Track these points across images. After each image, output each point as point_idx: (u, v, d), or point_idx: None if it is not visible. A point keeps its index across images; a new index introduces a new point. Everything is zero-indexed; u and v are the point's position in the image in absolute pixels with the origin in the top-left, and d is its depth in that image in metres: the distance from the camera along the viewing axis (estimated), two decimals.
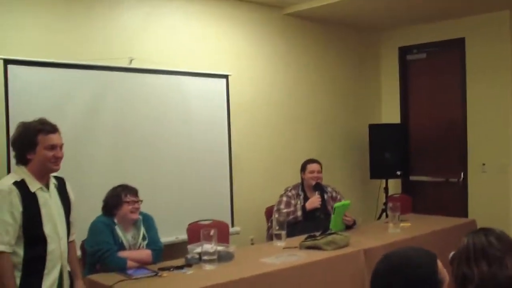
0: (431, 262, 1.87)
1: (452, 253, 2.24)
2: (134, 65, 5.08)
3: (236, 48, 6.08)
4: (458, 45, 7.05)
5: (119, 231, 3.90)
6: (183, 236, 4.98)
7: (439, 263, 1.88)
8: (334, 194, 5.32)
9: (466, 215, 6.76)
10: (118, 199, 3.95)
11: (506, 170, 6.63)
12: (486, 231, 2.12)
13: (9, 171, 4.06)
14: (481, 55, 6.83)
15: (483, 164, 6.81)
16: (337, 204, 4.89)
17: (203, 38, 5.77)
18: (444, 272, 1.87)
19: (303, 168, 5.31)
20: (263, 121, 6.31)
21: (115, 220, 3.92)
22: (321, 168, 5.32)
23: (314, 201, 5.08)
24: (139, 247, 3.95)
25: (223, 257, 3.87)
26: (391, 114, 7.67)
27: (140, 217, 4.03)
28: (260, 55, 6.33)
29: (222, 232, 4.81)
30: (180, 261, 3.85)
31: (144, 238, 4.00)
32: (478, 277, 2.01)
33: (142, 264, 3.79)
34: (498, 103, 6.69)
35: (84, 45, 4.87)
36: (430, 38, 7.31)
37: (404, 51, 7.65)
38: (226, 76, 5.72)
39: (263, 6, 6.32)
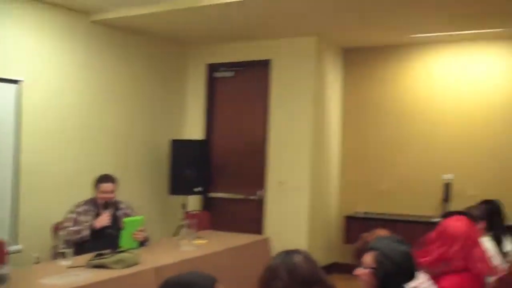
0: (210, 286, 1.94)
1: None
2: None
3: (33, 53, 5.64)
4: (264, 66, 7.22)
5: None
6: None
7: (219, 287, 1.95)
8: (127, 210, 5.10)
9: (262, 232, 6.91)
10: None
11: (301, 188, 6.88)
12: (286, 255, 2.16)
13: None
14: (286, 78, 7.06)
15: (281, 182, 7.01)
16: (127, 219, 4.67)
17: None
18: None
19: (96, 186, 5.01)
20: (58, 132, 5.91)
21: None
22: (116, 185, 5.07)
23: (103, 219, 4.82)
24: None
25: None
26: (195, 130, 7.63)
27: None
28: (61, 61, 5.94)
29: None
30: None
31: None
32: None
33: None
34: (298, 124, 6.94)
35: None
36: (238, 57, 7.42)
37: (212, 68, 7.67)
38: (17, 82, 5.28)
39: (70, 11, 5.98)
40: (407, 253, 2.44)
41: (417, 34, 6.68)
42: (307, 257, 2.17)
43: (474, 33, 6.52)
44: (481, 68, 6.87)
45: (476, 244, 3.08)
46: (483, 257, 3.10)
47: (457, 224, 3.10)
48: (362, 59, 7.56)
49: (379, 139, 7.40)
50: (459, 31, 6.40)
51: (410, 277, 2.43)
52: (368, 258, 2.44)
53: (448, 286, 2.88)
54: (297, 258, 2.14)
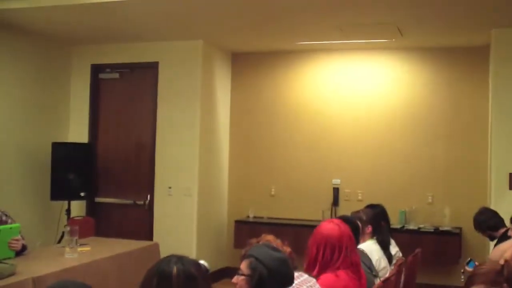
0: None
1: None
2: None
3: None
4: (151, 68, 7.06)
5: None
6: None
7: None
8: (4, 218, 4.73)
9: (151, 238, 6.72)
10: None
11: (190, 193, 6.79)
12: (163, 263, 2.02)
13: None
14: (173, 80, 6.95)
15: (169, 187, 6.87)
16: (2, 227, 4.34)
17: None
18: None
19: None
20: None
21: None
22: None
23: None
24: None
25: None
26: (79, 133, 7.31)
27: None
28: None
29: None
30: None
31: None
32: None
33: None
34: (186, 127, 6.85)
35: None
36: (125, 58, 7.22)
37: (97, 69, 7.39)
38: None
39: None
40: (282, 259, 2.47)
41: (305, 41, 6.79)
42: (186, 270, 2.00)
43: (362, 42, 6.72)
44: (367, 76, 7.11)
45: (345, 246, 3.15)
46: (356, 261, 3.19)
47: (328, 226, 3.17)
48: (251, 63, 7.59)
49: (268, 144, 7.44)
50: (348, 40, 6.56)
51: (286, 282, 2.46)
52: (244, 265, 2.47)
53: (322, 284, 2.92)
54: (174, 270, 1.98)
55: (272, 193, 7.37)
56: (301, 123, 7.31)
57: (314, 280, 2.86)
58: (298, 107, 7.33)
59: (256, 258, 2.44)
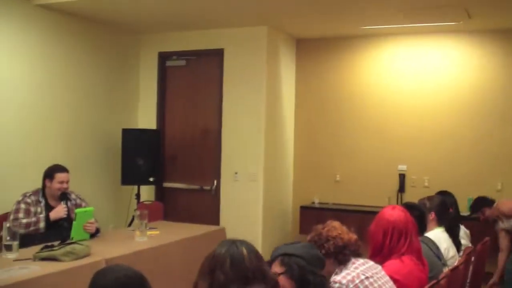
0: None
1: None
2: None
3: None
4: (217, 55, 7.13)
5: None
6: None
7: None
8: (78, 201, 4.94)
9: (218, 223, 6.83)
10: None
11: (256, 179, 6.84)
12: (232, 245, 2.07)
13: None
14: (238, 67, 6.99)
15: (236, 173, 6.95)
16: (78, 210, 4.55)
17: None
18: None
19: (50, 176, 4.78)
20: (3, 120, 5.67)
21: None
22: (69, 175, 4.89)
23: (59, 211, 4.64)
24: None
25: None
26: (147, 119, 7.49)
27: None
28: (5, 46, 5.68)
29: None
30: None
31: None
32: None
33: None
34: (252, 114, 6.89)
35: None
36: (190, 46, 7.31)
37: (163, 57, 7.54)
38: None
39: None
40: (306, 245, 2.53)
41: (370, 26, 6.70)
42: (253, 251, 2.08)
43: (428, 26, 6.57)
44: (434, 60, 6.95)
45: (410, 233, 3.12)
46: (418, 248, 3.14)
47: (394, 213, 3.14)
48: (315, 49, 7.55)
49: (333, 130, 7.41)
50: (413, 23, 6.43)
51: (322, 264, 2.49)
52: (276, 266, 2.45)
53: (388, 271, 2.90)
54: (244, 251, 2.05)
55: (337, 179, 7.35)
56: (366, 108, 7.24)
57: (379, 267, 2.85)
58: (363, 93, 7.26)
59: (284, 254, 2.44)
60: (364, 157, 7.22)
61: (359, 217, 6.44)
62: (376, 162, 7.14)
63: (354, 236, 2.85)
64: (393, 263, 3.02)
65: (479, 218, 5.88)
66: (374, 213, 3.41)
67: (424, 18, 6.19)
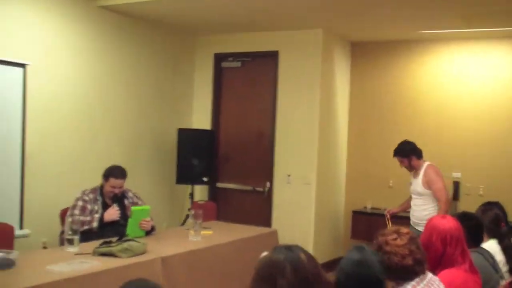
0: None
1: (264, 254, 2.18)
2: None
3: (39, 36, 5.56)
4: (272, 57, 7.17)
5: None
6: None
7: None
8: (135, 199, 5.06)
9: (269, 225, 6.87)
10: None
11: (309, 182, 6.85)
12: (289, 251, 2.05)
13: None
14: (293, 69, 7.02)
15: (288, 175, 6.98)
16: (135, 208, 4.66)
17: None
18: None
19: (106, 178, 4.90)
20: (65, 117, 5.86)
21: None
22: (125, 179, 4.96)
23: (112, 213, 4.76)
24: None
25: (1, 265, 3.45)
26: (202, 120, 7.60)
27: None
28: (68, 46, 5.87)
29: (5, 236, 4.36)
30: None
31: None
32: None
33: None
34: (305, 117, 6.90)
35: None
36: (246, 48, 7.37)
37: (219, 58, 7.63)
38: (23, 66, 5.20)
39: None
40: (359, 261, 2.30)
41: (426, 30, 6.62)
42: (309, 255, 2.08)
43: (485, 31, 6.45)
44: (490, 66, 6.80)
45: (463, 241, 3.05)
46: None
47: (448, 222, 3.08)
48: (370, 53, 7.52)
49: (388, 135, 7.34)
50: (473, 29, 6.32)
51: (372, 285, 2.29)
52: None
53: (445, 281, 2.83)
54: (302, 255, 2.05)
55: (390, 184, 7.29)
56: (421, 114, 7.15)
57: (437, 279, 2.73)
58: (419, 98, 7.18)
59: (340, 263, 2.35)
60: None
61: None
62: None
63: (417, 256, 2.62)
64: (449, 272, 2.97)
65: None
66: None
67: (484, 23, 6.09)
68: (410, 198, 5.95)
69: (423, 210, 5.65)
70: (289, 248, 2.08)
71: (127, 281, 1.94)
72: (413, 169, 5.81)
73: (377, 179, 7.36)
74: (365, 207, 7.33)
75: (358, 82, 7.59)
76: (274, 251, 2.08)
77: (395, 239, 2.62)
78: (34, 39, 5.51)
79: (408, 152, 5.78)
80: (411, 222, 5.80)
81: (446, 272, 2.97)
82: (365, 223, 6.93)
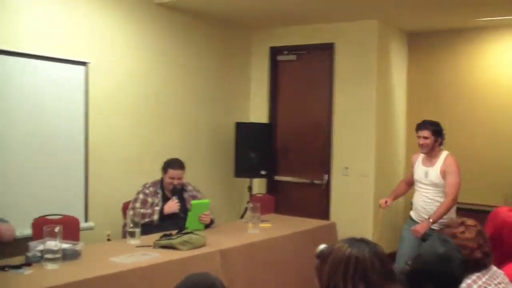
0: None
1: (323, 247, 2.16)
2: None
3: (98, 34, 5.70)
4: (327, 49, 7.13)
5: None
6: (28, 231, 4.59)
7: None
8: (194, 193, 5.16)
9: (328, 217, 6.85)
10: None
11: (367, 174, 6.79)
12: (369, 245, 2.02)
13: None
14: (349, 62, 6.96)
15: (346, 168, 6.94)
16: (194, 202, 4.75)
17: (62, 21, 5.34)
18: None
19: (165, 170, 5.04)
20: (125, 113, 6.00)
21: None
22: (184, 170, 5.08)
23: (172, 205, 4.87)
24: None
25: (68, 256, 3.61)
26: (259, 113, 7.64)
27: None
28: (126, 44, 6.01)
29: (71, 228, 4.53)
30: (19, 260, 3.52)
31: None
32: None
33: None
34: (362, 109, 6.84)
35: None
36: (301, 40, 7.35)
37: (275, 52, 7.64)
38: (85, 64, 5.39)
39: None
40: (443, 255, 2.22)
41: (485, 17, 6.43)
42: (383, 250, 2.04)
43: None
44: None
45: None
46: None
47: (509, 214, 2.98)
48: (427, 43, 7.37)
49: (447, 126, 7.13)
50: None
51: (447, 282, 2.23)
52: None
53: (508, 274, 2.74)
54: (378, 247, 2.01)
55: None
56: (481, 105, 6.95)
57: (501, 272, 2.63)
58: (479, 89, 6.98)
59: (420, 249, 2.31)
60: (479, 155, 6.93)
61: (471, 216, 6.21)
62: (492, 160, 6.85)
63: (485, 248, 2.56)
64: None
65: None
66: (486, 212, 3.29)
67: None
68: (406, 186, 5.64)
69: (436, 203, 5.08)
70: (365, 241, 2.04)
71: (189, 274, 1.99)
72: (428, 153, 5.20)
73: None
74: None
75: (416, 73, 7.46)
76: (352, 246, 2.01)
77: (463, 232, 2.56)
78: (94, 38, 5.66)
79: (440, 133, 5.21)
80: (415, 216, 5.33)
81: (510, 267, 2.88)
82: None
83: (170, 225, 4.64)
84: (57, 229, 3.47)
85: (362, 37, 6.86)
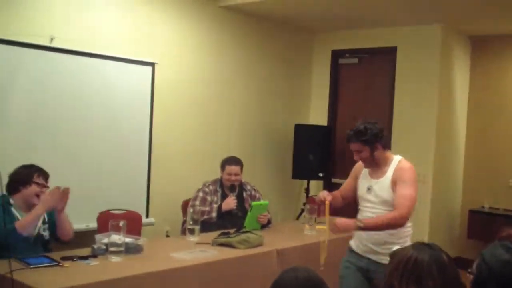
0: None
1: (396, 248, 2.23)
2: (55, 44, 4.83)
3: (165, 37, 5.91)
4: (389, 53, 7.12)
5: (15, 212, 3.73)
6: (94, 224, 4.81)
7: None
8: (253, 192, 5.25)
9: None
10: (29, 177, 3.77)
11: (425, 179, 6.73)
12: (433, 251, 2.03)
13: None
14: (411, 66, 6.92)
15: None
16: (255, 203, 4.84)
17: (131, 23, 5.57)
18: None
19: (223, 167, 5.15)
20: (187, 113, 6.18)
21: (11, 201, 3.73)
22: (242, 168, 5.17)
23: (230, 202, 4.95)
24: (38, 231, 3.77)
25: (131, 249, 3.77)
26: (318, 115, 7.68)
27: None
28: (190, 46, 6.19)
29: (134, 223, 4.70)
30: (86, 251, 3.71)
31: (44, 222, 3.83)
32: None
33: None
34: (423, 114, 6.80)
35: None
36: (363, 44, 7.36)
37: (336, 55, 7.67)
38: (152, 64, 5.58)
39: None
40: (508, 263, 2.16)
41: None
42: (449, 256, 2.04)
43: None
44: None
45: None
46: None
47: None
48: (492, 47, 7.26)
49: (508, 133, 7.07)
50: None
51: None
52: (475, 263, 2.30)
53: None
54: (444, 256, 2.01)
55: (511, 184, 7.02)
56: None
57: None
58: None
59: (483, 257, 2.24)
60: None
61: None
62: None
63: None
64: None
65: None
66: None
67: None
68: (342, 200, 4.40)
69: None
70: (431, 246, 2.05)
71: (287, 269, 2.01)
72: (373, 165, 3.99)
73: (496, 178, 7.11)
74: (483, 207, 7.10)
75: (479, 78, 7.35)
76: (416, 249, 2.04)
77: None
78: (161, 40, 5.86)
79: (374, 138, 3.90)
80: (356, 246, 4.02)
81: None
82: (482, 223, 6.74)
83: (228, 223, 4.74)
84: (121, 223, 3.62)
85: (424, 41, 6.82)
